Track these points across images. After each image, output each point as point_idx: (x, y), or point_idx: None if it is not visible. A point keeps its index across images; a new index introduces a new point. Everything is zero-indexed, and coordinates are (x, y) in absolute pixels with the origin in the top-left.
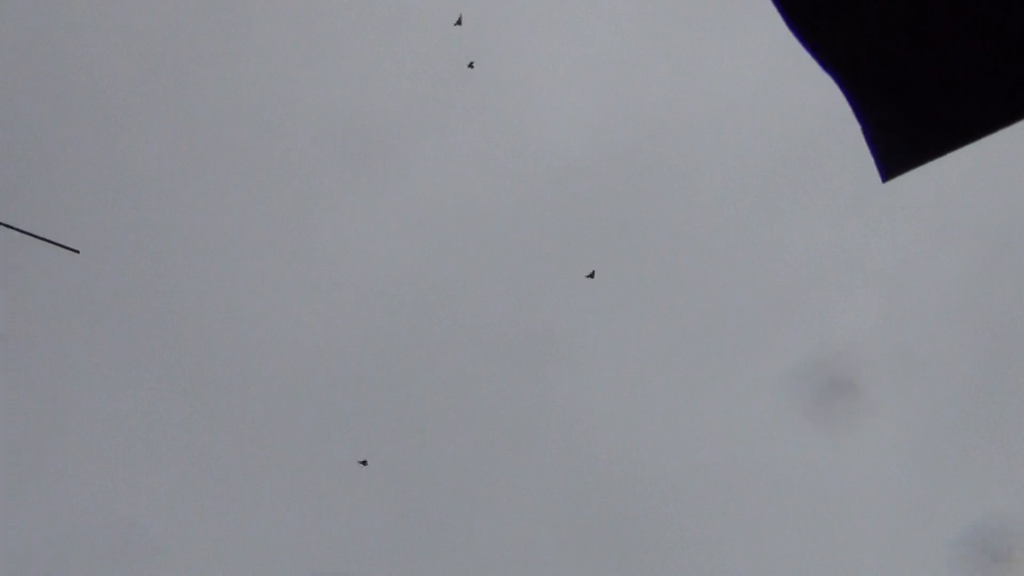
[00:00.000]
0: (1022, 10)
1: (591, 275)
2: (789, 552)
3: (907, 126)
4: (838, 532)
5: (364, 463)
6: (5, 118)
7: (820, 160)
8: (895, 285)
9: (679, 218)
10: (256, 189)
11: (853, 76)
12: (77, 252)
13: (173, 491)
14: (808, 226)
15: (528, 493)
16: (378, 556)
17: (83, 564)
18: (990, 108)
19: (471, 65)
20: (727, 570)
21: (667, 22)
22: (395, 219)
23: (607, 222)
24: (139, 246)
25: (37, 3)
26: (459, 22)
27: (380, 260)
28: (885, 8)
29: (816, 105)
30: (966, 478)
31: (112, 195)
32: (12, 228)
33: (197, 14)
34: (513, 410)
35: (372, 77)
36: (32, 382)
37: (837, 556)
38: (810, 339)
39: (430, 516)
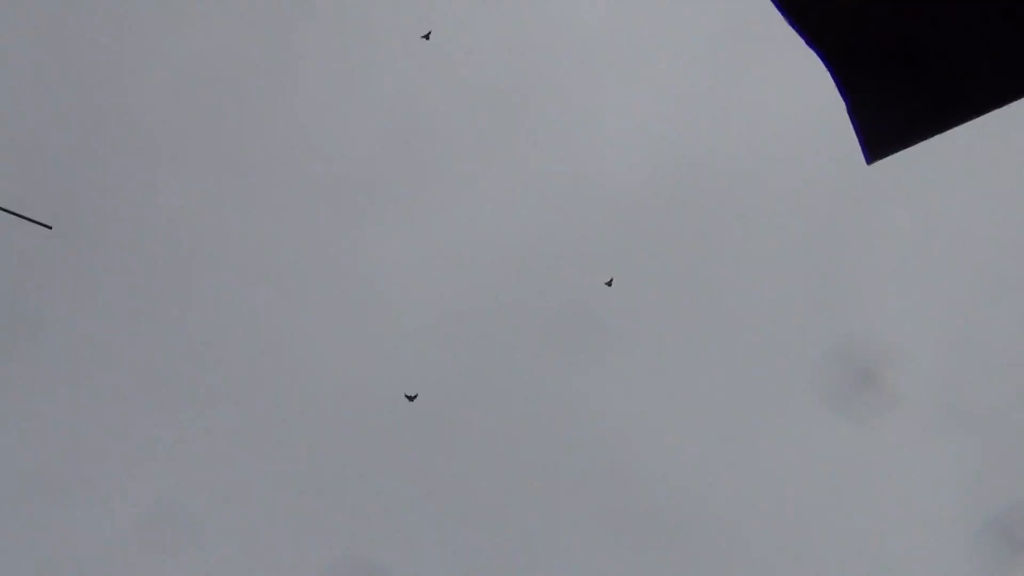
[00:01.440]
0: None
1: (609, 283)
2: (814, 544)
3: (892, 107)
4: (861, 524)
5: (412, 398)
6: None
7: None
8: (912, 278)
9: (716, 236)
10: (296, 208)
11: (837, 54)
12: (50, 228)
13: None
14: (821, 231)
15: (558, 492)
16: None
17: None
18: (979, 89)
19: (427, 36)
20: (755, 562)
21: (719, 54)
22: (439, 245)
23: (645, 243)
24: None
25: None
26: (427, 36)
27: (418, 285)
28: None
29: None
30: (988, 469)
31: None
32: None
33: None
34: (544, 414)
35: (417, 102)
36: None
37: (862, 548)
38: (832, 332)
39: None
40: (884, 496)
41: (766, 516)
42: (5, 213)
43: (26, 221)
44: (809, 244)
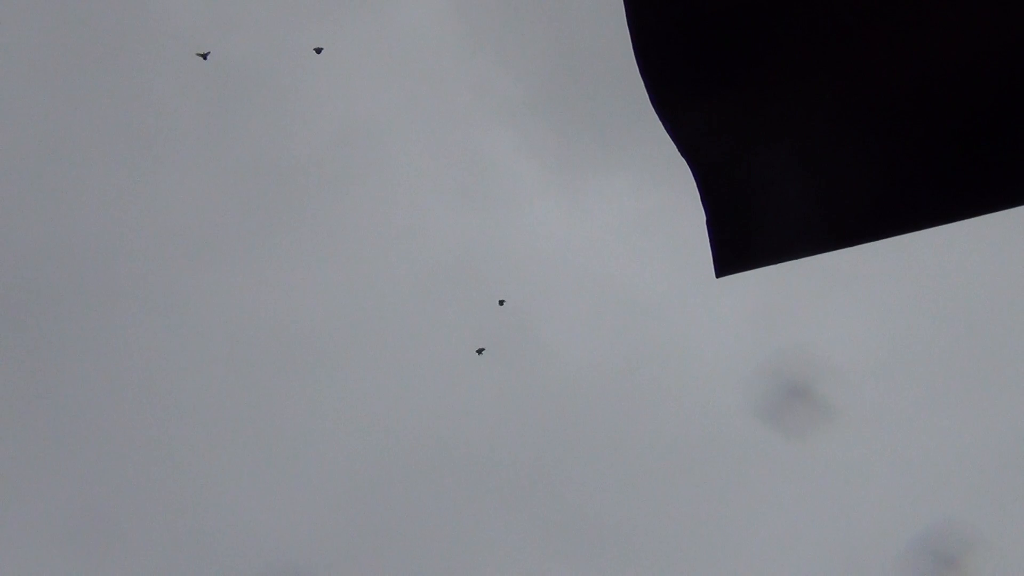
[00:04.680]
0: (866, 133)
1: (502, 302)
2: (743, 558)
3: (744, 227)
4: (787, 537)
5: (481, 351)
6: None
7: None
8: (846, 292)
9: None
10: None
11: (701, 166)
12: None
13: None
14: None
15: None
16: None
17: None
18: (827, 227)
19: (319, 50)
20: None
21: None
22: (392, 404)
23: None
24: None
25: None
26: (319, 50)
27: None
28: (738, 107)
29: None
30: (916, 483)
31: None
32: None
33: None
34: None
35: (374, 280)
36: None
37: (787, 561)
38: (771, 346)
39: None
40: (815, 510)
41: (695, 522)
42: None
43: None
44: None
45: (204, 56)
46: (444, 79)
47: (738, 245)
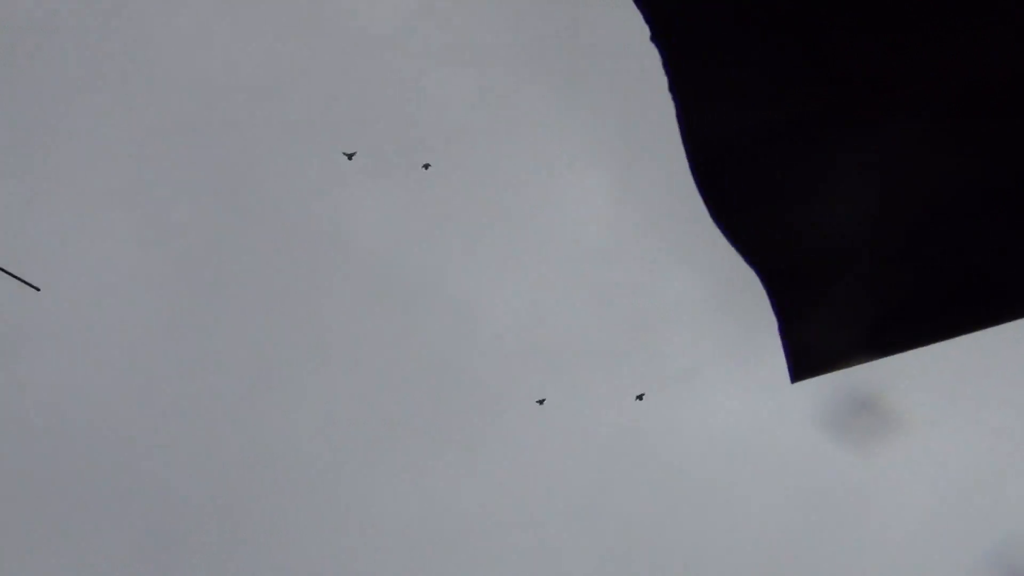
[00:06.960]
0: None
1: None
2: (814, 570)
3: (816, 331)
4: (862, 548)
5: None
6: None
7: None
8: None
9: None
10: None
11: (769, 273)
12: (38, 289)
13: None
14: None
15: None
16: None
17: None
18: (913, 322)
19: (426, 166)
20: None
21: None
22: None
23: None
24: None
25: None
26: (640, 397)
27: None
28: (805, 204)
29: None
30: (993, 494)
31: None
32: None
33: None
34: None
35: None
36: None
37: (862, 572)
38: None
39: None
40: (884, 523)
41: (762, 536)
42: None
43: (16, 279)
44: None
45: (350, 156)
46: (622, 281)
47: (811, 350)
